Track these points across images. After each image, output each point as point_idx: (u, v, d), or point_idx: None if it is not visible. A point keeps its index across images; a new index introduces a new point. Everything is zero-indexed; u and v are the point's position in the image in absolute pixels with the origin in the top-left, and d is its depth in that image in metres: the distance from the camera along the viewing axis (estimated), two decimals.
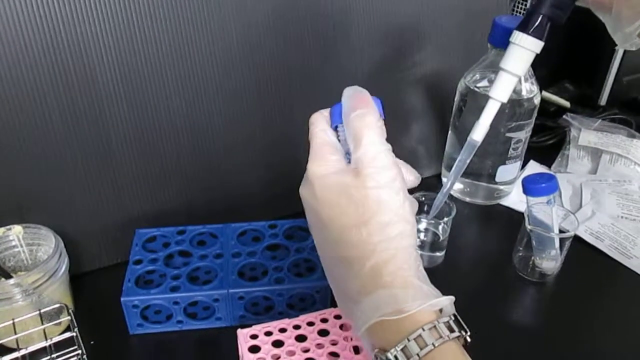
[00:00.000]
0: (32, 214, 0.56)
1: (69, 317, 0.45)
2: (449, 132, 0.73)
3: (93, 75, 0.53)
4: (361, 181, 0.34)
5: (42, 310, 0.46)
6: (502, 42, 0.62)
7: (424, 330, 0.31)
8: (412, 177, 0.38)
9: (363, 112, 0.35)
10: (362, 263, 0.34)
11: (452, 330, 0.32)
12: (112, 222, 0.61)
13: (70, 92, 0.53)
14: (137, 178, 0.60)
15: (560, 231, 0.59)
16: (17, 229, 0.53)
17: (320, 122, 0.38)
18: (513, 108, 0.64)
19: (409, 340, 0.31)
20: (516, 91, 0.64)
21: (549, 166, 0.79)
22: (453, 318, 0.33)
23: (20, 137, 0.53)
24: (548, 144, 0.83)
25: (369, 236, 0.34)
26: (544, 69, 0.91)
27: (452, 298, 0.34)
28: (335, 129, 0.38)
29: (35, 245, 0.55)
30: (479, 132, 0.48)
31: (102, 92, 0.54)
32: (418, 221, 0.59)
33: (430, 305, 0.33)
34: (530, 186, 0.57)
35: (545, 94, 0.88)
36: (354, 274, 0.34)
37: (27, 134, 0.53)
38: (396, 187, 0.35)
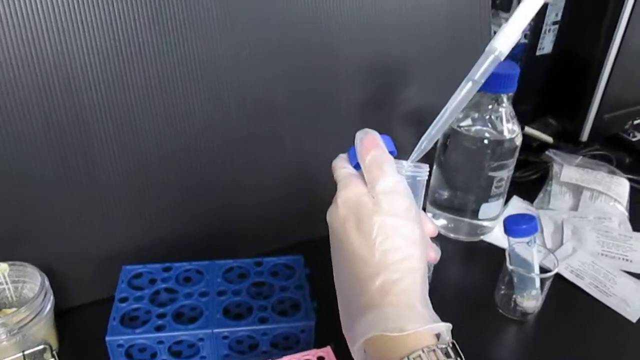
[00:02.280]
0: (17, 249, 0.56)
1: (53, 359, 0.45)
2: (434, 167, 0.74)
3: (81, 110, 0.54)
4: (379, 208, 0.38)
5: (25, 352, 0.46)
6: (484, 84, 0.65)
7: (423, 351, 0.34)
8: (430, 227, 0.42)
9: (374, 153, 0.40)
10: (372, 279, 0.37)
11: (448, 356, 0.34)
12: (98, 256, 0.61)
13: (58, 127, 0.54)
14: (123, 211, 0.60)
15: (542, 269, 0.61)
16: (2, 267, 0.53)
17: (340, 162, 0.43)
18: (495, 148, 0.66)
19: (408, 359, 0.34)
20: (498, 131, 0.66)
21: (532, 201, 0.81)
22: (451, 345, 0.35)
23: (4, 173, 0.53)
24: (531, 179, 0.85)
25: (380, 258, 0.37)
26: (527, 105, 0.93)
27: (449, 325, 0.36)
28: (356, 166, 0.42)
29: (20, 283, 0.55)
30: (503, 40, 0.41)
31: (90, 125, 0.55)
32: None
33: (429, 328, 0.35)
34: (512, 227, 0.58)
35: (529, 129, 0.90)
36: (364, 289, 0.37)
37: (11, 169, 0.53)
38: (410, 215, 0.38)
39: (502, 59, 0.41)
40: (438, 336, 0.36)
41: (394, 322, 0.35)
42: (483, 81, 0.42)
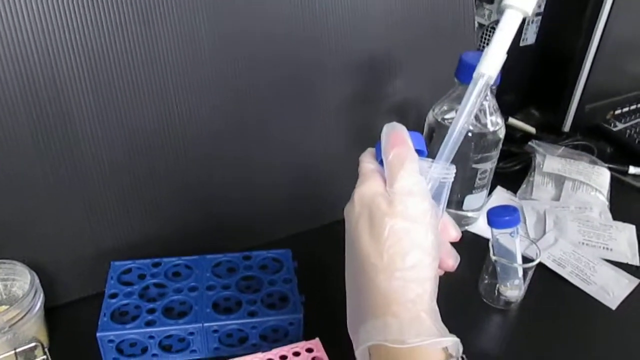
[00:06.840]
0: (5, 247, 0.56)
1: (44, 357, 0.46)
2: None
3: (68, 110, 0.54)
4: (393, 209, 0.36)
5: (17, 350, 0.46)
6: (468, 78, 0.65)
7: None
8: (453, 232, 0.42)
9: (398, 150, 0.38)
10: (378, 285, 0.36)
11: None
12: (87, 253, 0.61)
13: (45, 129, 0.54)
14: (111, 206, 0.61)
15: (525, 258, 0.62)
16: None
17: (366, 156, 0.41)
18: (478, 141, 0.67)
19: None
20: (482, 124, 0.67)
21: (515, 192, 0.82)
22: None
23: None
24: (514, 169, 0.86)
25: (388, 262, 0.36)
26: (511, 95, 0.94)
27: (456, 340, 0.35)
28: (381, 162, 0.40)
29: (9, 281, 0.55)
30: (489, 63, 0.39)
31: (77, 124, 0.55)
32: None
33: (432, 343, 0.34)
34: (494, 219, 0.59)
35: (512, 120, 0.91)
36: (370, 294, 0.36)
37: None
38: (424, 220, 0.36)
39: (491, 82, 0.39)
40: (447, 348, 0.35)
41: (395, 334, 0.34)
42: (476, 110, 0.40)
